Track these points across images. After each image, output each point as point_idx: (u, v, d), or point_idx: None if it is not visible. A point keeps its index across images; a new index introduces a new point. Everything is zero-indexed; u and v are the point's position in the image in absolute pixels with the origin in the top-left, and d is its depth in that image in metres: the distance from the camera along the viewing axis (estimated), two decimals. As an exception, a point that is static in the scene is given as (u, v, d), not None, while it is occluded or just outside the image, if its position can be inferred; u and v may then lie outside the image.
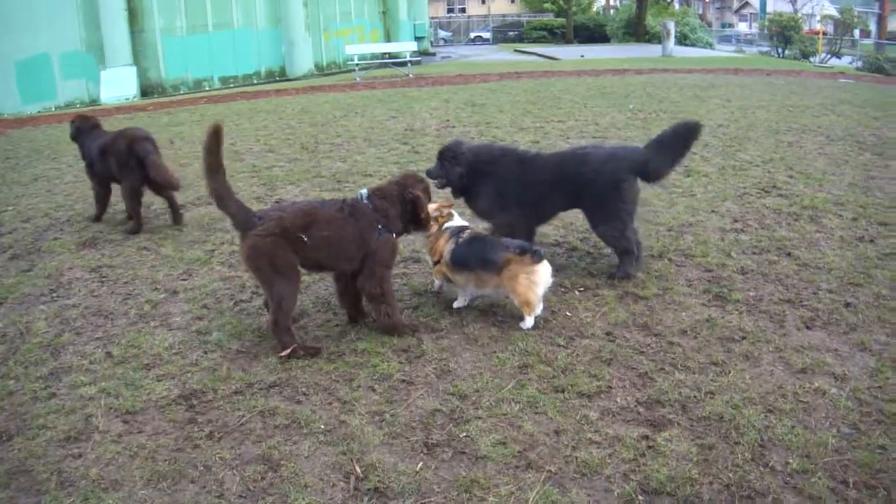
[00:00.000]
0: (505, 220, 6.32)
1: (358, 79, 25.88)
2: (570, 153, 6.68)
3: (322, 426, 4.18)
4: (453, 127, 13.43)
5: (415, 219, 5.51)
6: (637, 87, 18.82)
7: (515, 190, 6.24)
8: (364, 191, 5.39)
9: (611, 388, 4.48)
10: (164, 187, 8.20)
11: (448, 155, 6.39)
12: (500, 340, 5.11)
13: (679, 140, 6.47)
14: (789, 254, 6.64)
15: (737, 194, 8.47)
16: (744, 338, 5.08)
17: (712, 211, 7.84)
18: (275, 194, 9.26)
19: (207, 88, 28.31)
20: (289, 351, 4.92)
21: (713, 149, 10.83)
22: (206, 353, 5.14)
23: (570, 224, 7.46)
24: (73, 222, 8.55)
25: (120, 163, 7.99)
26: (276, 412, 4.35)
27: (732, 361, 4.77)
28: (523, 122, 13.53)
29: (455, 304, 5.68)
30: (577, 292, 5.89)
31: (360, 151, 11.62)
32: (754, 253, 6.68)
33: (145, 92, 26.59)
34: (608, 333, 5.18)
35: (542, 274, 5.20)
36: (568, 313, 5.50)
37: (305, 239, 4.97)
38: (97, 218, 8.63)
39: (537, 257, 5.16)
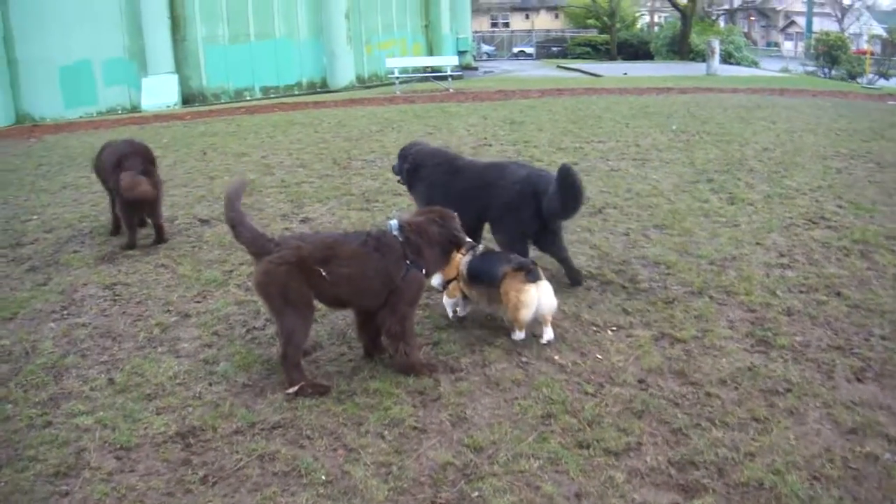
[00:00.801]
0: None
1: (398, 92, 25.67)
2: (491, 165, 6.95)
3: (323, 476, 3.86)
4: (490, 145, 13.10)
5: (447, 258, 5.26)
6: (680, 106, 18.36)
7: (442, 193, 6.45)
8: (395, 222, 5.04)
9: (640, 444, 4.11)
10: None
11: (401, 153, 7.11)
12: (524, 385, 4.76)
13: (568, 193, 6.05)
14: (839, 293, 6.21)
15: (783, 225, 8.04)
16: (789, 390, 4.68)
17: (757, 243, 7.42)
18: (301, 212, 8.99)
19: (248, 98, 28.28)
20: (296, 388, 4.62)
21: (759, 175, 10.38)
22: (210, 384, 4.86)
23: (605, 255, 7.09)
24: (95, 234, 8.36)
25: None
26: (277, 457, 4.05)
27: (776, 418, 4.37)
28: (562, 142, 13.17)
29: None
30: (609, 332, 5.51)
31: (391, 168, 11.32)
32: (801, 292, 6.26)
33: (186, 100, 26.60)
34: (641, 381, 4.80)
35: (533, 295, 5.07)
36: (599, 356, 5.14)
37: (324, 274, 4.66)
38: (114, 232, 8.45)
39: (531, 277, 5.06)
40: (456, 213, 5.25)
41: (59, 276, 7.02)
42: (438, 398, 4.60)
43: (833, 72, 41.74)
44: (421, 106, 20.35)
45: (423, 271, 4.96)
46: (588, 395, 4.63)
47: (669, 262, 6.85)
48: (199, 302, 6.28)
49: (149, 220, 8.20)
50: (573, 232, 7.74)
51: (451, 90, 25.62)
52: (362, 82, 32.51)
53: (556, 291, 5.97)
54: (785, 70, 44.73)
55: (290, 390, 4.63)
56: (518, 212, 6.24)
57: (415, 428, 4.30)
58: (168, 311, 6.11)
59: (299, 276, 4.64)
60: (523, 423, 4.33)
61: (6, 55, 23.26)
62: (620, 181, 9.98)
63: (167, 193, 10.11)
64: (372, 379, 4.84)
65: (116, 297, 6.45)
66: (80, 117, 23.75)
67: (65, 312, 6.18)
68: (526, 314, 5.13)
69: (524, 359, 5.09)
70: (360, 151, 13.00)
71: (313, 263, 4.65)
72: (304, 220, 8.61)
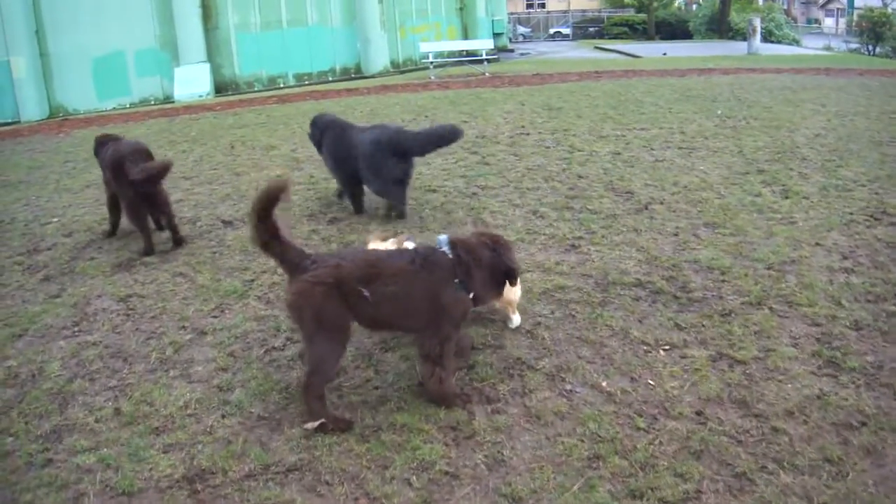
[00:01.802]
0: (338, 179, 8.58)
1: (432, 77, 25.15)
2: (361, 129, 8.27)
3: (342, 534, 3.43)
4: (528, 134, 12.55)
5: (498, 289, 4.78)
6: (724, 88, 17.64)
7: (334, 156, 8.23)
8: (445, 237, 4.59)
9: (700, 493, 3.62)
10: None
11: (311, 123, 8.76)
12: (568, 418, 4.27)
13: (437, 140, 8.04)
14: (911, 303, 5.65)
15: (843, 222, 7.43)
16: (864, 423, 4.14)
17: (816, 244, 6.84)
18: (329, 212, 8.55)
19: (282, 85, 27.94)
20: (317, 424, 4.19)
21: (811, 164, 9.75)
22: (223, 416, 4.45)
23: (654, 259, 6.56)
24: (114, 239, 8.00)
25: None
26: (291, 509, 3.62)
27: (851, 458, 3.85)
28: (603, 130, 12.59)
29: None
30: (661, 352, 5.00)
31: (427, 161, 10.78)
32: (869, 301, 5.70)
33: (219, 89, 26.33)
34: (698, 413, 4.29)
35: None
36: (651, 381, 4.63)
37: (367, 295, 4.21)
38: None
39: None
40: (508, 242, 4.83)
41: (74, 287, 6.67)
42: (473, 435, 4.13)
43: (878, 49, 40.45)
44: (455, 92, 19.81)
45: (471, 295, 4.48)
46: (640, 430, 4.13)
47: (724, 267, 6.32)
48: (216, 317, 5.87)
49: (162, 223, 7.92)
50: (619, 232, 7.24)
51: (486, 74, 25.04)
52: (397, 67, 31.99)
53: (606, 305, 5.55)
54: (827, 48, 43.54)
55: (310, 426, 4.20)
56: (378, 164, 7.77)
57: (446, 473, 3.83)
58: (183, 327, 5.71)
59: (337, 299, 4.20)
60: (568, 466, 3.85)
61: (39, 48, 23.17)
62: (666, 173, 9.41)
63: (191, 191, 9.80)
64: (399, 411, 4.38)
65: (130, 312, 6.07)
66: (114, 108, 23.59)
67: (76, 329, 5.82)
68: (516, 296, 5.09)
69: (568, 386, 4.60)
70: (393, 143, 12.52)
71: (355, 284, 4.21)
72: (331, 221, 8.17)
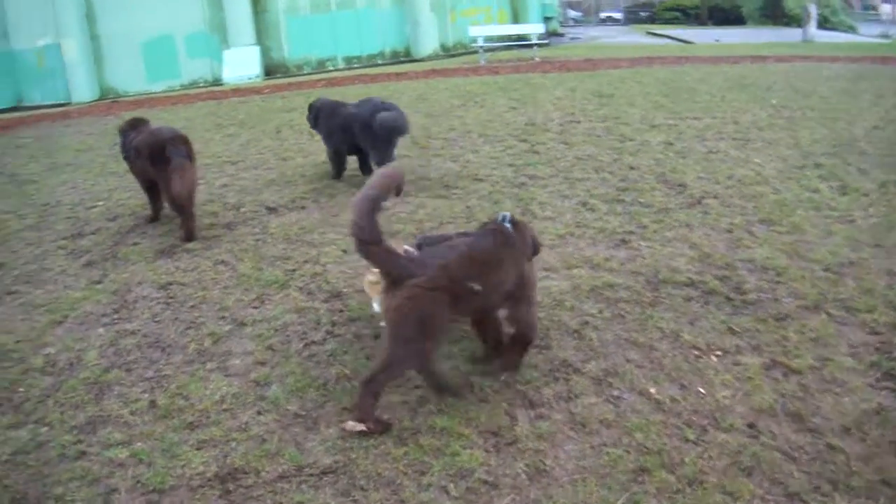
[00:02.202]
0: (330, 149, 9.54)
1: (482, 61, 24.87)
2: (354, 105, 9.26)
3: (376, 544, 3.31)
4: (578, 122, 12.30)
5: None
6: (779, 77, 17.17)
7: (327, 130, 9.36)
8: (507, 214, 4.55)
9: (752, 513, 3.44)
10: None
11: (309, 107, 9.82)
12: (615, 427, 4.09)
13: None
14: (979, 311, 5.37)
15: (904, 222, 7.14)
16: (927, 442, 3.92)
17: (877, 245, 6.55)
18: (374, 199, 8.41)
19: (331, 68, 27.91)
20: (358, 428, 4.06)
21: (870, 158, 9.38)
22: (259, 413, 4.35)
23: (707, 257, 6.32)
24: (158, 224, 7.96)
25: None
26: (324, 514, 3.50)
27: (913, 480, 3.64)
28: (655, 119, 12.29)
29: None
30: (713, 357, 4.79)
31: (474, 149, 10.68)
32: (934, 307, 5.44)
33: (268, 71, 26.39)
34: (750, 425, 4.08)
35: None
36: (702, 389, 4.43)
37: (477, 288, 4.13)
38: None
39: None
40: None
41: (115, 273, 6.64)
42: (515, 441, 3.98)
43: (939, 37, 39.16)
44: (505, 77, 19.56)
45: None
46: (689, 442, 3.94)
47: (779, 268, 6.07)
48: (256, 307, 5.78)
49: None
50: (671, 227, 7.01)
51: (536, 59, 24.71)
52: (446, 51, 31.75)
53: (656, 305, 5.35)
54: (884, 35, 42.09)
55: (350, 426, 4.07)
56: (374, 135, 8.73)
57: (485, 482, 3.69)
58: (223, 317, 5.63)
59: (445, 302, 4.07)
60: (612, 479, 3.68)
61: (90, 31, 23.38)
62: (720, 165, 9.13)
63: (236, 176, 9.75)
64: (440, 414, 4.23)
65: (170, 300, 6.00)
66: (163, 91, 23.72)
67: (115, 316, 5.78)
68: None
69: (615, 391, 4.42)
70: (440, 129, 12.36)
71: (464, 281, 4.10)
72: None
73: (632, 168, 9.14)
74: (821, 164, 9.08)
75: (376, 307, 5.22)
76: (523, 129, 11.84)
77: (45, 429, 4.35)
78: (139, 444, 4.12)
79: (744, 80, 16.67)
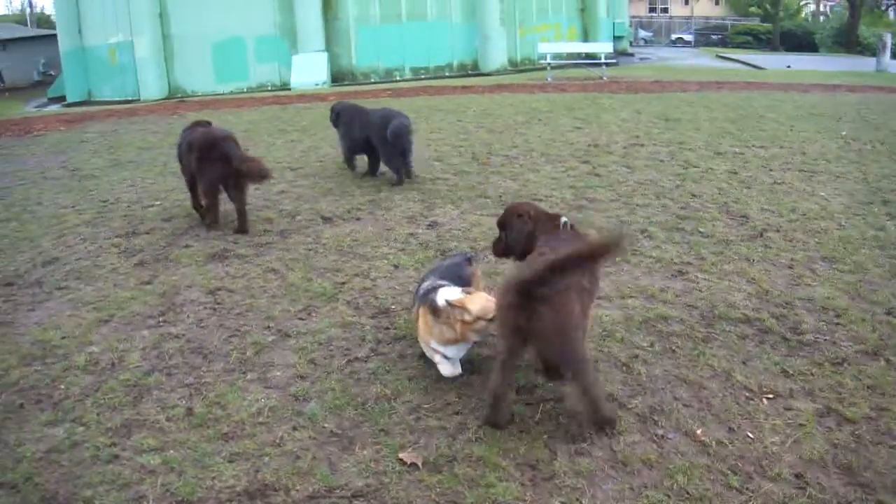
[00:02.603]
0: (344, 148, 10.60)
1: (549, 78, 24.78)
2: (371, 112, 10.20)
3: (401, 579, 3.20)
4: (642, 145, 12.12)
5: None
6: (850, 108, 16.72)
7: (348, 131, 10.32)
8: (566, 219, 4.79)
9: (797, 573, 3.25)
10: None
11: (331, 109, 10.78)
12: (656, 468, 3.93)
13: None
14: None
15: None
16: None
17: (945, 290, 6.29)
18: (431, 214, 8.36)
19: (398, 78, 28.07)
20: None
21: (945, 195, 9.05)
22: (294, 428, 4.28)
23: (765, 293, 6.11)
24: (212, 227, 7.97)
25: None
26: (351, 542, 3.41)
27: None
28: (720, 145, 12.04)
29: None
30: (764, 401, 4.59)
31: (535, 168, 10.56)
32: None
33: (336, 78, 26.61)
34: (798, 476, 3.87)
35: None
36: (750, 434, 4.24)
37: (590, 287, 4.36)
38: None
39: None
40: None
41: (165, 275, 6.66)
42: (552, 477, 3.84)
43: None
44: (571, 95, 19.43)
45: None
46: (733, 490, 3.76)
47: (839, 309, 5.83)
48: (302, 319, 5.73)
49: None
50: (730, 260, 6.81)
51: (604, 78, 24.55)
52: (514, 66, 31.75)
53: (709, 341, 5.16)
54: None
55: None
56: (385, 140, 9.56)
57: (519, 518, 3.57)
58: (268, 327, 5.59)
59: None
60: (651, 525, 3.53)
61: (162, 30, 23.79)
62: (785, 198, 8.88)
63: (294, 183, 9.76)
64: (478, 442, 4.12)
65: (217, 306, 5.99)
66: (231, 92, 24.01)
67: (161, 319, 5.78)
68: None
69: (660, 430, 4.26)
70: (502, 146, 12.27)
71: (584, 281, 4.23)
72: (431, 225, 7.97)
73: (693, 196, 8.94)
74: (889, 201, 8.77)
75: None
76: (586, 151, 11.70)
77: (82, 429, 4.34)
78: (172, 451, 4.07)
79: (814, 110, 16.29)
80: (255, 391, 4.68)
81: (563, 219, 4.82)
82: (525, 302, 3.93)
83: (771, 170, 10.35)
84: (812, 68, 31.48)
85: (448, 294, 4.51)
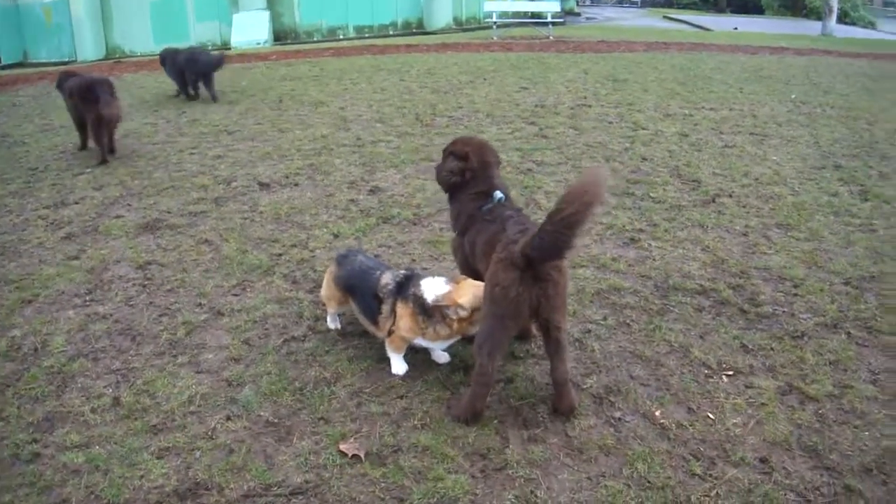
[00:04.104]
0: (172, 78, 13.21)
1: (495, 37, 24.36)
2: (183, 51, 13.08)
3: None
4: (589, 106, 11.88)
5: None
6: (798, 71, 16.67)
7: (173, 70, 12.94)
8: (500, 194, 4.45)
9: (764, 567, 3.08)
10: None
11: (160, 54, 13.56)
12: (614, 454, 3.72)
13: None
14: None
15: (931, 233, 6.75)
16: (957, 490, 3.55)
17: (901, 257, 6.18)
18: (372, 179, 8.04)
19: (341, 37, 27.42)
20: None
21: (892, 162, 8.92)
22: (228, 418, 3.98)
23: (720, 262, 5.94)
24: (144, 195, 7.60)
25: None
26: (289, 545, 3.15)
27: (943, 534, 3.27)
28: (669, 107, 11.87)
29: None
30: (724, 378, 4.41)
31: (480, 129, 10.27)
32: (960, 333, 5.05)
33: (278, 37, 25.90)
34: (763, 460, 3.70)
35: None
36: (710, 414, 4.06)
37: None
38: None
39: None
40: None
41: (94, 248, 6.28)
42: (504, 467, 3.61)
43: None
44: (517, 55, 19.09)
45: None
46: (696, 477, 3.57)
47: (797, 278, 5.69)
48: (236, 295, 5.41)
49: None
50: (683, 227, 6.64)
51: (550, 38, 24.22)
52: (459, 24, 31.22)
53: (665, 314, 4.97)
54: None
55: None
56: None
57: (470, 514, 3.34)
58: (200, 304, 5.26)
59: None
60: (610, 517, 3.33)
61: (98, -10, 22.92)
62: (737, 162, 8.72)
63: (231, 147, 9.39)
64: (424, 430, 3.86)
65: (147, 282, 5.64)
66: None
67: (87, 298, 5.42)
68: None
69: (617, 413, 4.05)
70: (447, 106, 11.95)
71: None
72: (372, 191, 7.66)
73: (644, 159, 8.75)
74: (840, 166, 8.67)
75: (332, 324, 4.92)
76: (532, 111, 11.45)
77: (1, 423, 4.00)
78: (97, 447, 3.76)
79: (762, 72, 16.21)
80: (185, 377, 4.37)
81: (498, 193, 4.44)
82: (534, 273, 3.68)
83: (721, 133, 10.20)
84: (759, 30, 31.45)
85: (434, 288, 4.14)
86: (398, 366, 4.39)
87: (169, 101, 12.93)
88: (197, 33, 24.87)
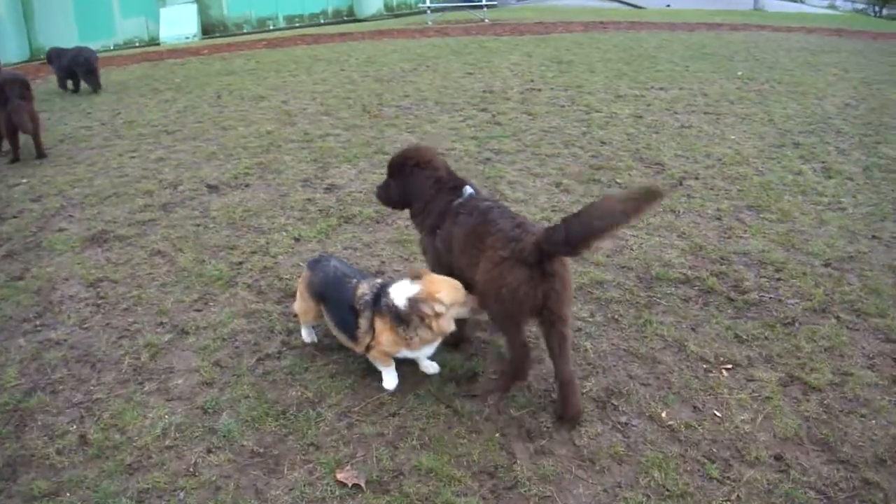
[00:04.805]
0: (58, 77, 13.91)
1: (430, 22, 24.02)
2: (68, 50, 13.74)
3: None
4: (539, 90, 11.67)
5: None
6: (738, 47, 16.68)
7: (58, 65, 13.75)
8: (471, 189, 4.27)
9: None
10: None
11: (47, 54, 14.33)
12: (627, 462, 3.52)
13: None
14: None
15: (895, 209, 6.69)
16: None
17: (873, 236, 6.08)
18: (326, 176, 7.71)
19: (272, 27, 26.77)
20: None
21: (848, 138, 8.93)
22: (209, 451, 3.67)
23: (699, 249, 5.79)
24: (87, 205, 7.15)
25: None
26: None
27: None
28: (619, 88, 11.71)
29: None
30: (724, 372, 4.24)
31: (431, 118, 9.99)
32: (946, 309, 4.96)
33: (206, 30, 25.16)
34: (777, 457, 3.55)
35: None
36: (717, 412, 3.88)
37: None
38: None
39: None
40: None
41: (39, 266, 5.85)
42: (515, 485, 3.37)
43: (885, 10, 38.95)
44: (456, 39, 18.79)
45: None
46: (714, 481, 3.39)
47: (777, 262, 5.56)
48: (199, 310, 5.06)
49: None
50: (655, 213, 6.46)
51: (486, 21, 23.96)
52: (391, 11, 30.72)
53: (652, 307, 4.77)
54: (832, 6, 41.96)
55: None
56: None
57: (487, 543, 3.10)
58: (161, 323, 4.91)
59: None
60: (636, 534, 3.12)
61: (18, -14, 21.99)
62: (696, 142, 8.60)
63: (172, 148, 8.97)
64: (424, 450, 3.61)
65: (101, 301, 5.25)
66: (98, 51, 22.43)
67: (38, 323, 5.01)
68: None
69: (622, 417, 3.85)
70: (393, 96, 11.62)
71: None
72: (328, 188, 7.34)
73: (603, 143, 8.57)
74: (799, 144, 8.62)
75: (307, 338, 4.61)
76: (482, 97, 11.21)
77: (-43, 473, 3.63)
78: (68, 494, 3.42)
79: (704, 49, 16.19)
80: (156, 406, 4.04)
81: (468, 188, 4.26)
82: (543, 270, 3.55)
83: (676, 112, 10.08)
84: (692, 7, 31.57)
85: (403, 291, 3.87)
86: (390, 380, 4.11)
87: (105, 101, 12.38)
88: (123, 29, 24.05)
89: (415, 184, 4.33)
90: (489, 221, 3.85)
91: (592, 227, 3.33)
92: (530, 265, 3.54)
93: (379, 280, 4.13)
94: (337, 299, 4.13)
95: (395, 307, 3.82)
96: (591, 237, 3.37)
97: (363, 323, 3.99)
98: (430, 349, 4.03)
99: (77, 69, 13.61)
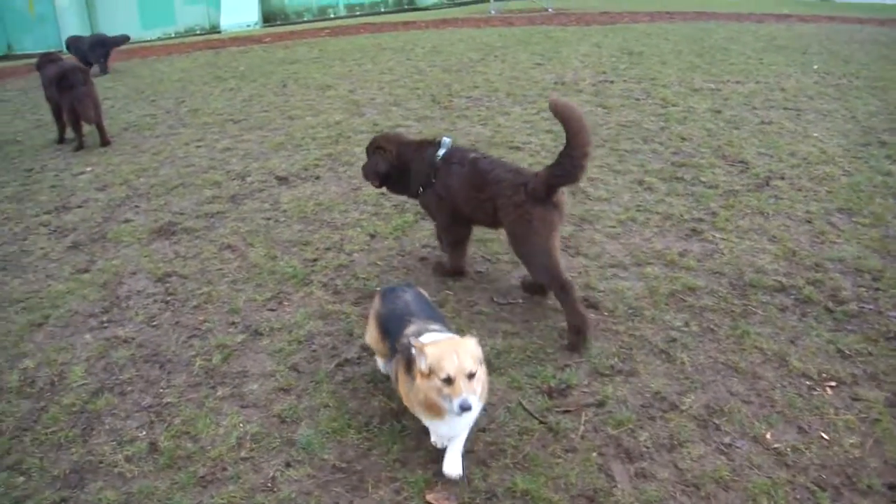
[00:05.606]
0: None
1: (492, 11, 23.67)
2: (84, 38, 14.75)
3: None
4: (611, 82, 11.30)
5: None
6: (811, 39, 16.06)
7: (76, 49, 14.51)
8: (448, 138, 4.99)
9: None
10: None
11: (68, 41, 15.23)
12: (734, 488, 3.23)
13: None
14: None
15: None
16: None
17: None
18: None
19: (332, 15, 26.66)
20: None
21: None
22: (288, 464, 3.46)
23: (792, 254, 5.43)
24: (153, 196, 7.02)
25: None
26: None
27: None
28: (693, 81, 11.29)
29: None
30: (828, 390, 3.91)
31: (504, 111, 9.70)
32: None
33: (267, 19, 25.13)
34: (891, 486, 3.23)
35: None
36: (824, 434, 3.56)
37: None
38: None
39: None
40: None
41: (104, 259, 5.72)
42: (616, 512, 3.11)
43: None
44: (521, 29, 18.44)
45: None
46: (832, 513, 3.09)
47: (874, 270, 5.19)
48: (272, 310, 4.86)
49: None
50: (743, 214, 6.13)
51: (550, 10, 23.55)
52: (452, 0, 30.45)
53: (748, 316, 4.45)
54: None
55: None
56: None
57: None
58: (233, 323, 4.71)
59: None
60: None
61: (81, -25, 22.13)
62: (778, 139, 8.19)
63: (239, 138, 8.80)
64: (518, 470, 3.35)
65: (169, 297, 5.08)
66: (158, 38, 22.52)
67: (104, 318, 4.86)
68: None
69: (726, 438, 3.55)
70: (463, 86, 11.35)
71: None
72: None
73: (683, 139, 8.21)
74: (885, 143, 8.15)
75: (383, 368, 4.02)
76: (554, 89, 10.87)
77: (22, 479, 3.47)
78: (137, 505, 3.23)
79: (775, 41, 15.61)
80: (230, 413, 3.84)
81: (446, 138, 4.92)
82: (553, 201, 4.44)
83: (754, 108, 9.65)
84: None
85: (423, 334, 3.31)
86: (451, 464, 3.31)
87: (168, 88, 12.30)
88: (184, 17, 24.10)
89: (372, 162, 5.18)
90: (481, 170, 4.61)
91: (583, 151, 4.09)
92: (544, 198, 4.31)
93: (435, 325, 3.51)
94: (394, 338, 3.54)
95: (409, 348, 3.20)
96: (584, 158, 4.12)
97: (391, 367, 3.56)
98: (441, 424, 3.25)
99: (94, 53, 14.65)
